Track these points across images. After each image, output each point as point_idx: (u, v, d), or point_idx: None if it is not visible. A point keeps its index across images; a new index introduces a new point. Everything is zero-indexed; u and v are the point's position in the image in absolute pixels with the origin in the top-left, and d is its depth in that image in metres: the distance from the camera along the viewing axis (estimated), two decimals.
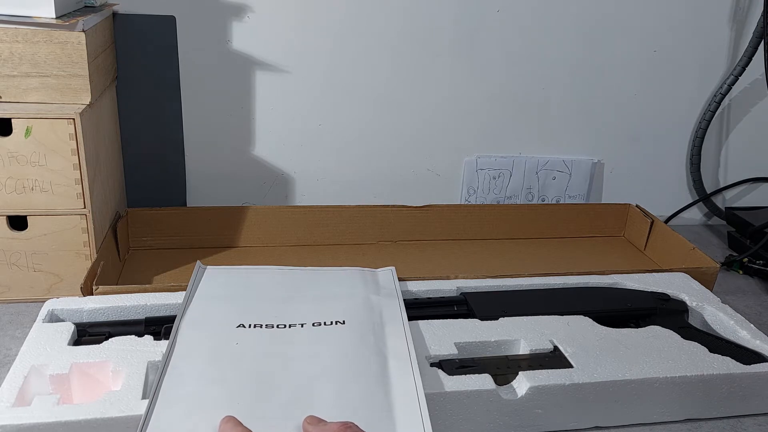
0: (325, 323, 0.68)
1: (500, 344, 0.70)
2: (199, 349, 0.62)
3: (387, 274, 0.80)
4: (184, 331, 0.65)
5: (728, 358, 0.68)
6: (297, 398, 0.56)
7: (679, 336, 0.72)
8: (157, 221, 0.98)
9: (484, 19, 1.04)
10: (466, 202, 1.15)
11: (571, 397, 0.64)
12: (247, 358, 0.62)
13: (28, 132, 0.75)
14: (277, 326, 0.67)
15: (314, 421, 0.51)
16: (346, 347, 0.64)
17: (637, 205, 1.12)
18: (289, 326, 0.67)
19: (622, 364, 0.66)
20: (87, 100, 0.78)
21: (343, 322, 0.68)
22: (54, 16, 0.74)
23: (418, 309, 0.74)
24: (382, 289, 0.77)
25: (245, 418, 0.52)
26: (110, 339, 0.65)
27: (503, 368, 0.66)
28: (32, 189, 0.77)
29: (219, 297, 0.72)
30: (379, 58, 1.04)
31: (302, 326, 0.67)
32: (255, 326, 0.67)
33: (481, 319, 0.73)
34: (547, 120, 1.13)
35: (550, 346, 0.69)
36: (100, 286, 0.75)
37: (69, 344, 0.64)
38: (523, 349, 0.70)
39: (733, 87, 1.11)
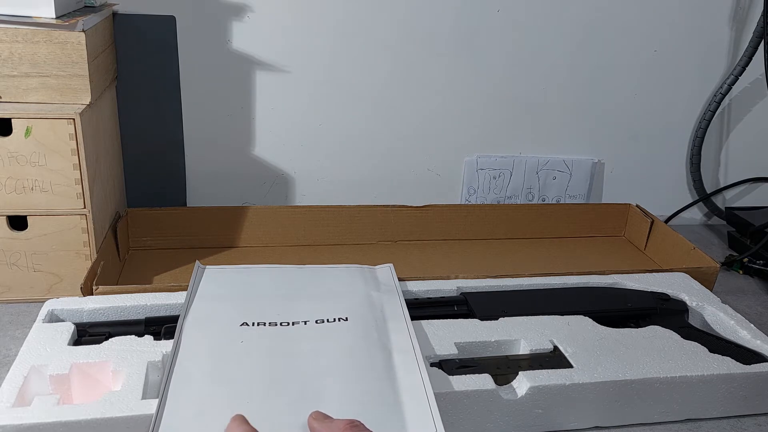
0: (327, 320, 0.68)
1: (500, 344, 0.70)
2: (205, 349, 0.62)
3: (386, 271, 0.81)
4: (188, 331, 0.65)
5: (728, 358, 0.68)
6: (304, 395, 0.56)
7: (679, 336, 0.72)
8: (157, 221, 0.98)
9: (484, 19, 1.04)
10: (466, 202, 1.15)
11: (571, 397, 0.64)
12: (252, 356, 0.62)
13: (28, 132, 0.75)
14: (281, 324, 0.67)
15: (320, 416, 0.51)
16: (351, 343, 0.64)
17: (637, 205, 1.12)
18: (293, 324, 0.67)
19: (622, 364, 0.66)
20: (87, 100, 0.78)
21: (346, 318, 0.68)
22: (54, 16, 0.74)
23: (418, 309, 0.74)
24: (381, 285, 0.77)
25: (254, 417, 0.52)
26: (110, 339, 0.65)
27: (503, 368, 0.66)
28: (32, 189, 0.77)
29: (220, 296, 0.72)
30: (379, 58, 1.04)
31: (305, 323, 0.68)
32: (258, 324, 0.67)
33: (481, 319, 0.73)
34: (547, 120, 1.13)
35: (550, 346, 0.69)
36: (100, 286, 0.75)
37: (69, 344, 0.64)
38: (523, 349, 0.70)
39: (733, 87, 1.11)
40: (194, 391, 0.56)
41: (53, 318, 0.70)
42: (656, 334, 0.73)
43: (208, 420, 0.53)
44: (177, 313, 0.69)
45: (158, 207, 0.99)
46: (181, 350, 0.62)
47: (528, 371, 0.64)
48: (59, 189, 0.78)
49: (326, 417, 0.51)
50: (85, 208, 0.79)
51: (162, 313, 0.72)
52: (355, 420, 0.49)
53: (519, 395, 0.63)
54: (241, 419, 0.51)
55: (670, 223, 1.19)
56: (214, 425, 0.53)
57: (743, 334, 0.75)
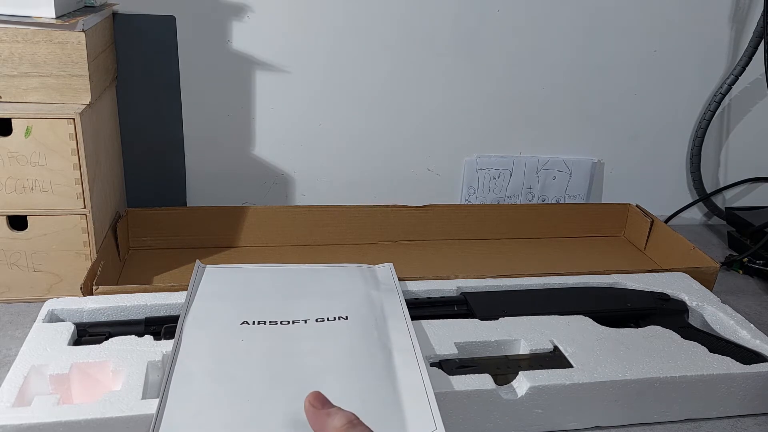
0: (328, 319, 0.68)
1: (500, 344, 0.70)
2: (205, 348, 0.62)
3: (385, 270, 0.81)
4: (188, 330, 0.65)
5: (728, 358, 0.68)
6: (305, 394, 0.56)
7: (679, 336, 0.72)
8: (157, 221, 0.98)
9: (484, 19, 1.04)
10: (466, 202, 1.15)
11: (571, 397, 0.64)
12: (253, 354, 0.62)
13: (28, 132, 0.75)
14: (281, 323, 0.67)
15: (317, 402, 0.48)
16: (351, 342, 0.65)
17: (637, 205, 1.12)
18: (293, 322, 0.67)
19: (622, 364, 0.66)
20: (87, 100, 0.78)
21: (346, 317, 0.69)
22: (54, 16, 0.74)
23: (418, 309, 0.74)
24: (381, 284, 0.77)
25: (254, 415, 0.52)
26: (110, 339, 0.65)
27: (503, 368, 0.66)
28: (32, 189, 0.77)
29: (221, 295, 0.72)
30: (379, 58, 1.04)
31: (305, 322, 0.68)
32: (259, 323, 0.67)
33: (481, 319, 0.73)
34: (547, 120, 1.13)
35: (550, 346, 0.69)
36: (100, 286, 0.75)
37: (69, 344, 0.64)
38: (523, 349, 0.70)
39: (733, 87, 1.11)
40: (195, 390, 0.56)
41: (53, 318, 0.70)
42: (656, 334, 0.72)
43: (208, 419, 0.53)
44: (177, 313, 0.69)
45: (158, 207, 0.99)
46: (182, 349, 0.62)
47: (528, 371, 0.64)
48: (59, 189, 0.78)
49: (325, 403, 0.48)
50: (85, 208, 0.79)
51: (162, 313, 0.72)
52: (352, 418, 0.47)
53: (519, 395, 0.63)
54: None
55: (670, 223, 1.19)
56: (215, 424, 0.53)
57: (743, 334, 0.75)
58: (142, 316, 0.71)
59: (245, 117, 1.04)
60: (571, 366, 0.66)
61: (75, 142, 0.76)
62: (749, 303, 0.94)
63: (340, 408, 0.47)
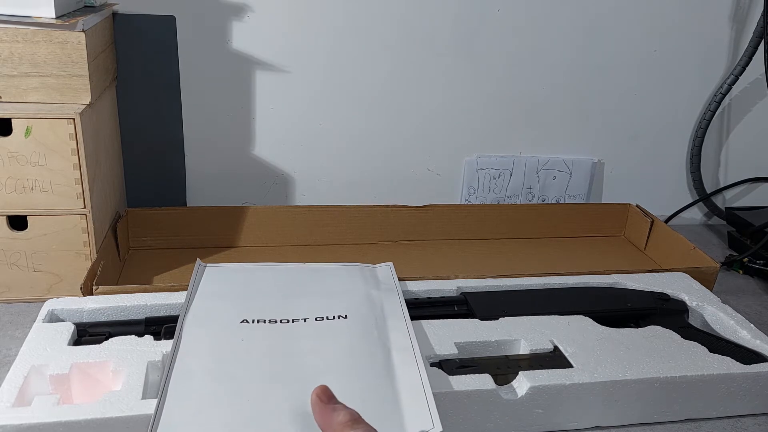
0: (327, 318, 0.68)
1: (500, 344, 0.70)
2: (205, 346, 0.62)
3: (385, 270, 0.81)
4: (188, 329, 0.65)
5: (728, 358, 0.68)
6: (304, 392, 0.56)
7: (679, 336, 0.72)
8: (157, 221, 0.98)
9: (484, 19, 1.04)
10: (467, 202, 1.15)
11: (571, 397, 0.64)
12: (253, 353, 0.62)
13: (28, 132, 0.75)
14: (281, 321, 0.67)
15: (324, 396, 0.49)
16: (351, 341, 0.65)
17: (637, 205, 1.12)
18: (293, 321, 0.68)
19: (622, 364, 0.66)
20: (87, 100, 0.78)
21: (346, 316, 0.69)
22: (54, 16, 0.74)
23: (418, 309, 0.74)
24: (381, 284, 0.77)
25: (254, 414, 0.52)
26: (110, 339, 0.65)
27: (503, 368, 0.66)
28: (32, 189, 0.77)
29: (221, 294, 0.72)
30: (379, 58, 1.04)
31: (305, 321, 0.68)
32: (259, 322, 0.67)
33: (481, 319, 0.73)
34: (547, 120, 1.13)
35: (550, 346, 0.69)
36: (100, 286, 0.75)
37: (69, 344, 0.64)
38: (523, 349, 0.70)
39: (733, 87, 1.11)
40: (194, 388, 0.57)
41: (53, 318, 0.70)
42: (656, 334, 0.73)
43: (208, 417, 0.54)
44: (177, 313, 0.69)
45: (158, 207, 0.99)
46: (182, 348, 0.62)
47: (528, 371, 0.64)
48: (59, 189, 0.78)
49: (331, 398, 0.49)
50: (85, 208, 0.79)
51: (162, 313, 0.72)
52: (356, 416, 0.48)
53: (519, 395, 0.63)
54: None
55: (670, 223, 1.19)
56: (214, 423, 0.53)
57: (743, 334, 0.75)
58: (142, 316, 0.71)
59: (245, 117, 1.04)
60: (571, 366, 0.66)
61: (75, 142, 0.76)
62: (749, 303, 0.94)
63: (345, 405, 0.47)
